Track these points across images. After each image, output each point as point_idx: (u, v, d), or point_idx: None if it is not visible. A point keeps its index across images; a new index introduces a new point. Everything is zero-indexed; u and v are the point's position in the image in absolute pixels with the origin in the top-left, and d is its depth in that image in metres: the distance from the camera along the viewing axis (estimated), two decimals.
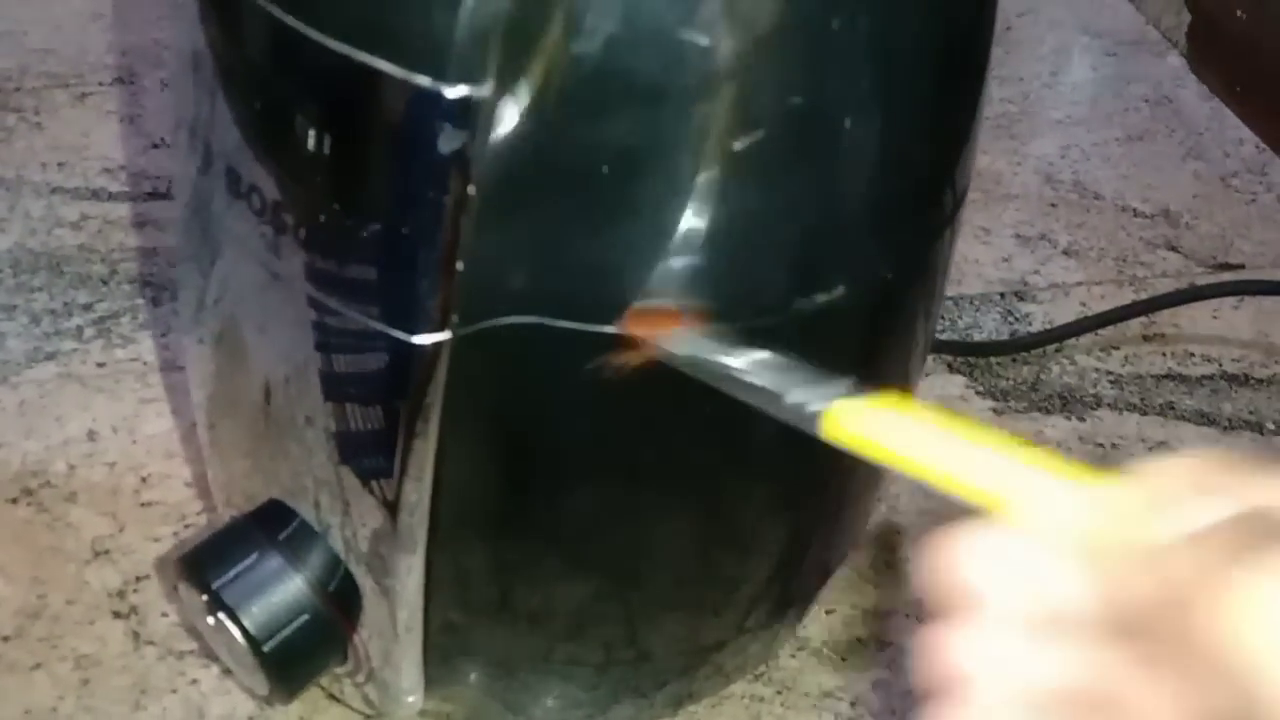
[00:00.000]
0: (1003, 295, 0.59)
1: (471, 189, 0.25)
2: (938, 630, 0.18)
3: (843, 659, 0.44)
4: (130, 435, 0.49)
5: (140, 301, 0.55)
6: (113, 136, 0.63)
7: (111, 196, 0.60)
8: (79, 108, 0.64)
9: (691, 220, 0.27)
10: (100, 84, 0.66)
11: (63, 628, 0.43)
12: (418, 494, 0.30)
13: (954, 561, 0.18)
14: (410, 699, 0.37)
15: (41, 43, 0.68)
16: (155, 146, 0.62)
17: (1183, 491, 0.17)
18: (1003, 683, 0.17)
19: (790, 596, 0.40)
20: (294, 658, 0.35)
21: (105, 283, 0.56)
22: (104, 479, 0.48)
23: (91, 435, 0.49)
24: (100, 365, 0.52)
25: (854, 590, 0.46)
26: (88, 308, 0.54)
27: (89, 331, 0.53)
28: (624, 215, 0.26)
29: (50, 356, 0.52)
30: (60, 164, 0.61)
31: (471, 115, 0.24)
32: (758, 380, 0.23)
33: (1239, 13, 0.71)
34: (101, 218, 0.59)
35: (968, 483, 0.19)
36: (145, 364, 0.52)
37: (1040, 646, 0.17)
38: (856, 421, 0.21)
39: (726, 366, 0.23)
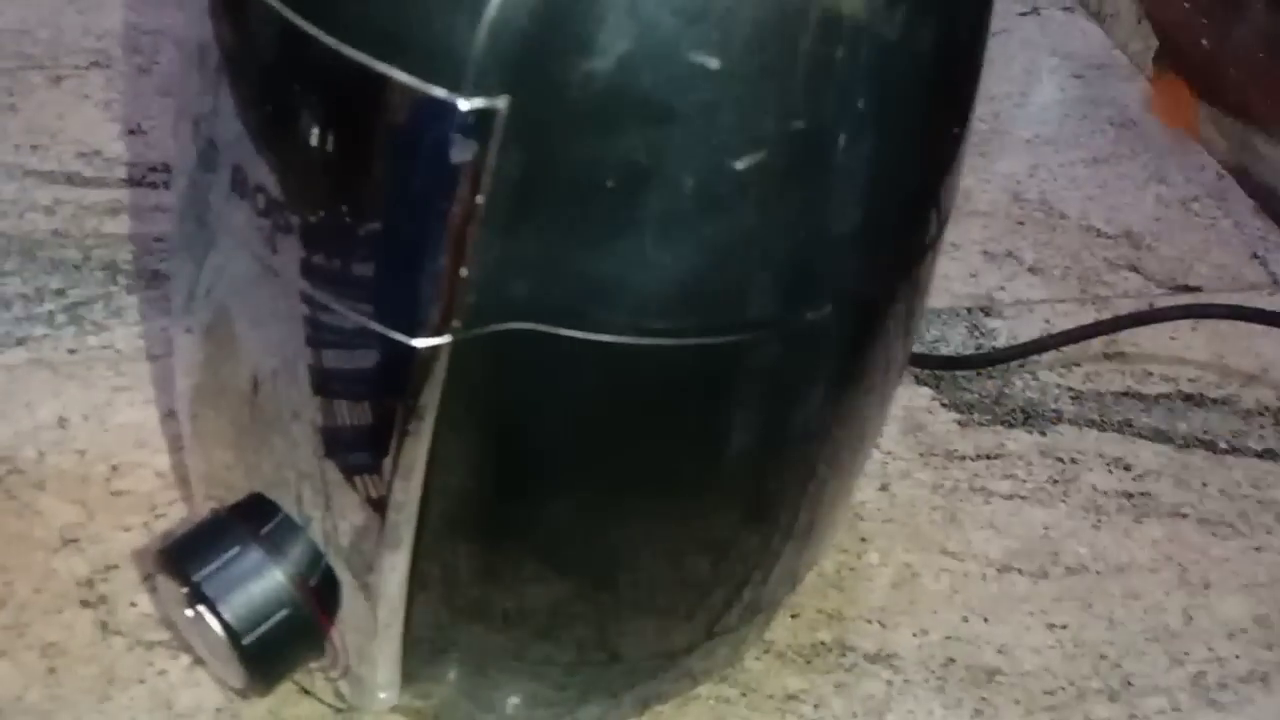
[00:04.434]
0: (969, 310, 0.60)
1: (480, 198, 0.25)
2: None
3: (807, 662, 0.45)
4: (101, 423, 0.49)
5: (114, 288, 0.54)
6: (88, 121, 0.62)
7: (86, 181, 0.59)
8: (55, 91, 0.64)
9: (690, 236, 0.27)
10: (76, 67, 0.65)
11: (29, 616, 0.43)
12: (406, 494, 0.31)
13: None
14: (383, 695, 0.37)
15: (16, 24, 0.67)
16: (132, 132, 0.62)
17: None
18: None
19: (760, 602, 0.41)
20: (272, 651, 0.35)
21: (78, 268, 0.55)
22: (74, 467, 0.47)
23: (62, 422, 0.49)
24: (72, 352, 0.52)
25: (819, 594, 0.47)
26: (60, 293, 0.54)
27: (61, 318, 0.53)
28: (625, 228, 0.27)
29: (21, 342, 0.52)
30: (34, 147, 0.60)
31: (484, 127, 0.24)
32: None
33: (1203, 41, 0.73)
34: (75, 203, 0.58)
35: None
36: (118, 351, 0.52)
37: None
38: None
39: None
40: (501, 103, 0.24)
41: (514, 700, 0.40)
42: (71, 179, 0.59)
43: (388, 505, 0.31)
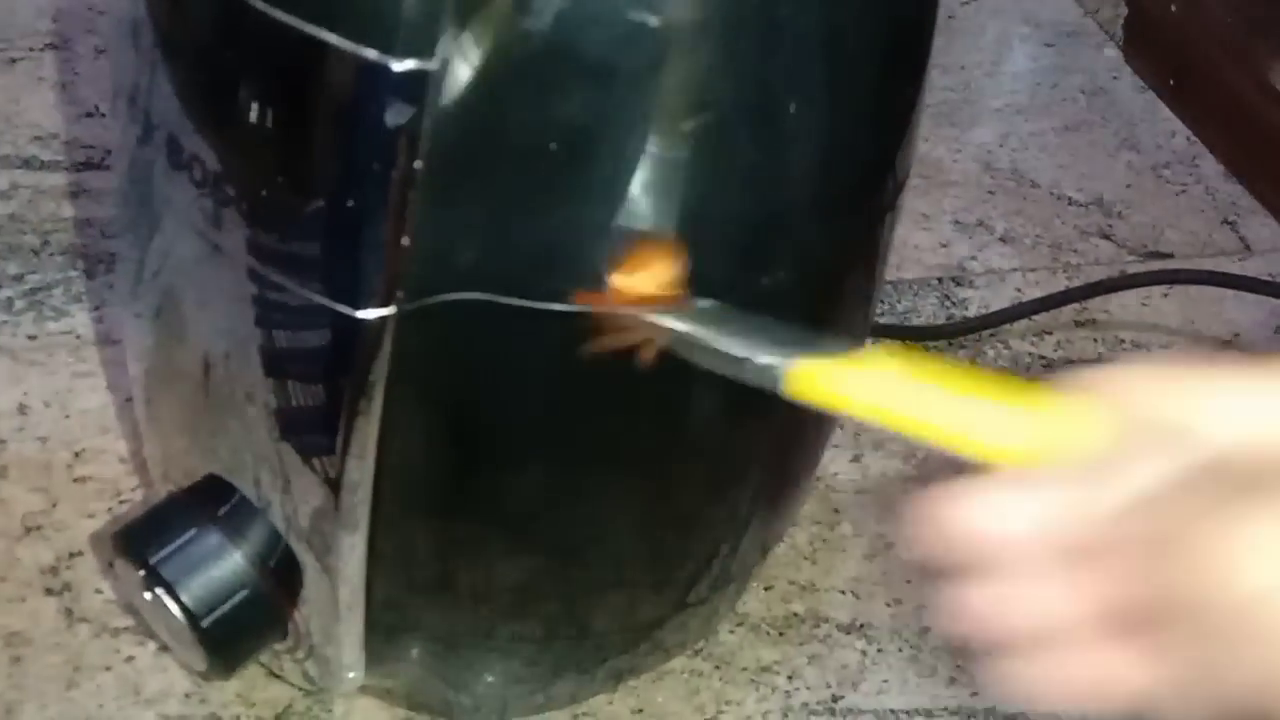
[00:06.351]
0: (941, 280, 0.60)
1: (418, 164, 0.25)
2: (961, 592, 0.19)
3: (780, 634, 0.45)
4: (63, 409, 0.49)
5: (73, 273, 0.54)
6: (45, 104, 0.61)
7: (44, 165, 0.58)
8: (9, 73, 0.63)
9: (636, 201, 0.27)
10: (31, 49, 0.64)
11: None
12: (360, 472, 0.30)
13: (959, 519, 0.19)
14: (351, 675, 0.37)
15: None
16: (89, 115, 0.61)
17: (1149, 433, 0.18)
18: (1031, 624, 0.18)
19: (730, 573, 0.41)
20: (232, 634, 0.35)
21: (37, 253, 0.54)
22: (36, 454, 0.47)
23: (23, 409, 0.48)
24: (31, 338, 0.51)
25: (791, 566, 0.47)
26: (18, 279, 0.53)
27: (20, 304, 0.52)
28: (570, 194, 0.27)
29: None
30: None
31: (419, 89, 0.24)
32: (727, 347, 0.24)
33: (1173, 7, 0.72)
34: (33, 187, 0.57)
35: (936, 431, 0.21)
36: (79, 337, 0.51)
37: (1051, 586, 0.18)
38: (821, 381, 0.22)
39: (698, 337, 0.25)
40: (435, 64, 0.23)
41: (486, 678, 0.40)
42: (28, 163, 0.58)
43: (342, 485, 0.31)
